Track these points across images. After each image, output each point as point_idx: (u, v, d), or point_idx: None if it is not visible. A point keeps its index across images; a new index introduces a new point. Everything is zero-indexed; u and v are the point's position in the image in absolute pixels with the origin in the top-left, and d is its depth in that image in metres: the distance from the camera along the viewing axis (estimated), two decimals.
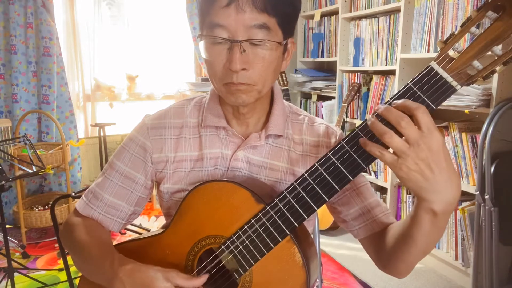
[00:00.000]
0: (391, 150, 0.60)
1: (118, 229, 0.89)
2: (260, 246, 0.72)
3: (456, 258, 2.19)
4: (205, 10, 0.74)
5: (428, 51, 2.32)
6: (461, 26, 0.58)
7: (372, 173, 2.87)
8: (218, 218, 0.75)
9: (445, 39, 0.60)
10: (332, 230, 2.81)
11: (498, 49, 0.57)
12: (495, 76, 1.88)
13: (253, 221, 0.72)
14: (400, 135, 0.59)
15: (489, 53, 0.58)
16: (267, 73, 0.75)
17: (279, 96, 0.88)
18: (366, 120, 0.64)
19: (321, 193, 0.67)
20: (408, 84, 0.61)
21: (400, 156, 0.58)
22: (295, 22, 0.79)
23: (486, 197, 1.88)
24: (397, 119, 0.58)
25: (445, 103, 2.09)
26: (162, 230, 0.82)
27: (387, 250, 0.77)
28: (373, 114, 0.62)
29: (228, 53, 0.72)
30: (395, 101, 0.60)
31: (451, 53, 0.59)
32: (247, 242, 0.72)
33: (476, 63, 0.58)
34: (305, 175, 0.68)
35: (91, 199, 0.87)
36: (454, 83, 0.59)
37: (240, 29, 0.70)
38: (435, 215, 0.61)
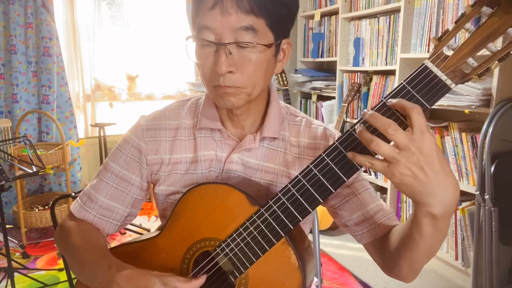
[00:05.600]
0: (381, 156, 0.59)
1: (114, 231, 0.89)
2: (255, 248, 0.71)
3: (456, 258, 2.18)
4: (194, 11, 0.72)
5: (428, 51, 2.31)
6: (455, 22, 0.57)
7: (372, 173, 2.86)
8: (213, 220, 0.74)
9: (439, 36, 0.58)
10: (332, 230, 2.80)
11: (493, 45, 0.56)
12: (495, 76, 1.87)
13: (247, 223, 0.71)
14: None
15: (484, 50, 0.57)
16: (256, 76, 0.73)
17: (275, 97, 0.86)
18: (360, 120, 0.63)
19: (315, 194, 0.66)
20: (402, 83, 0.60)
21: (390, 162, 0.57)
22: (290, 22, 0.76)
23: (486, 197, 1.87)
24: (384, 127, 0.56)
25: (445, 103, 2.05)
26: (157, 233, 0.82)
27: (391, 254, 0.74)
28: (360, 121, 0.61)
29: (215, 56, 0.71)
30: (390, 100, 0.59)
31: (445, 50, 0.57)
32: (242, 244, 0.72)
33: (471, 61, 0.57)
34: (299, 176, 0.67)
35: (86, 202, 0.86)
36: (448, 82, 0.58)
37: (226, 32, 0.69)
38: (435, 218, 0.59)
